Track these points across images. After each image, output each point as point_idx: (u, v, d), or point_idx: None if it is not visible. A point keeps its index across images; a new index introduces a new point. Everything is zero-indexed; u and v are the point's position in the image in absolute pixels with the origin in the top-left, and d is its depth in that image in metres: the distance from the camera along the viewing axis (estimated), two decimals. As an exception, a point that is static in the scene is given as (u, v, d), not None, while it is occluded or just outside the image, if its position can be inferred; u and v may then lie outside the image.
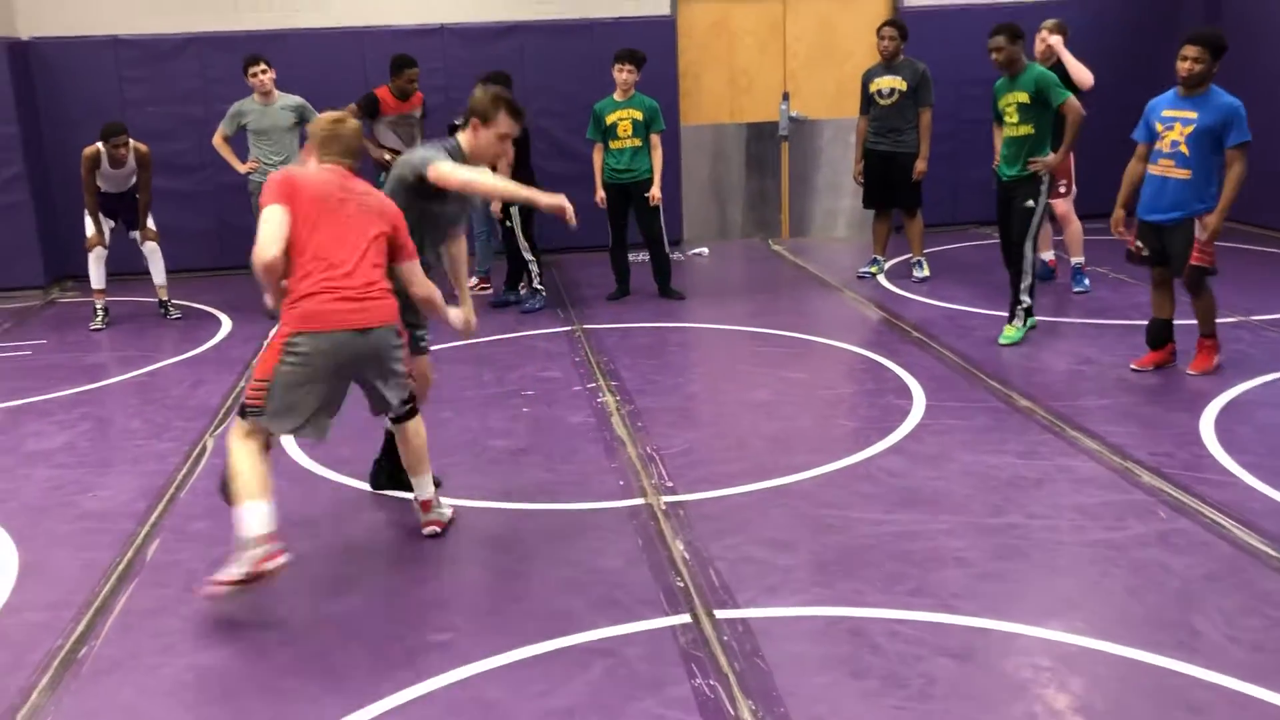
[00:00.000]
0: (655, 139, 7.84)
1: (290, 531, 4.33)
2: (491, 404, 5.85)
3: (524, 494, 4.56)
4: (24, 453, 5.38)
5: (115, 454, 5.37)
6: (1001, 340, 6.46)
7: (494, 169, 4.48)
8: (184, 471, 5.03)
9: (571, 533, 4.24)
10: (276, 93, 8.00)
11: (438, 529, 4.21)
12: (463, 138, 4.22)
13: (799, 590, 3.72)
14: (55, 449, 5.42)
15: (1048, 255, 7.83)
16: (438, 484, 4.42)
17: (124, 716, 3.17)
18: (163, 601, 3.82)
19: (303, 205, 3.75)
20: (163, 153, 8.60)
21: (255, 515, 3.60)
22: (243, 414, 3.77)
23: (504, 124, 4.15)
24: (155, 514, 4.57)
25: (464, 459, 5.05)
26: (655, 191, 7.84)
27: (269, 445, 3.83)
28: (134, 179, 7.71)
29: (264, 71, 7.86)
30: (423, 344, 4.43)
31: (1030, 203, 6.37)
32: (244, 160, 8.05)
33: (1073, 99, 6.32)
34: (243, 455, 3.70)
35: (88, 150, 7.51)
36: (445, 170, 4.02)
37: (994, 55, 6.38)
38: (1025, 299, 6.49)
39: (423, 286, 4.07)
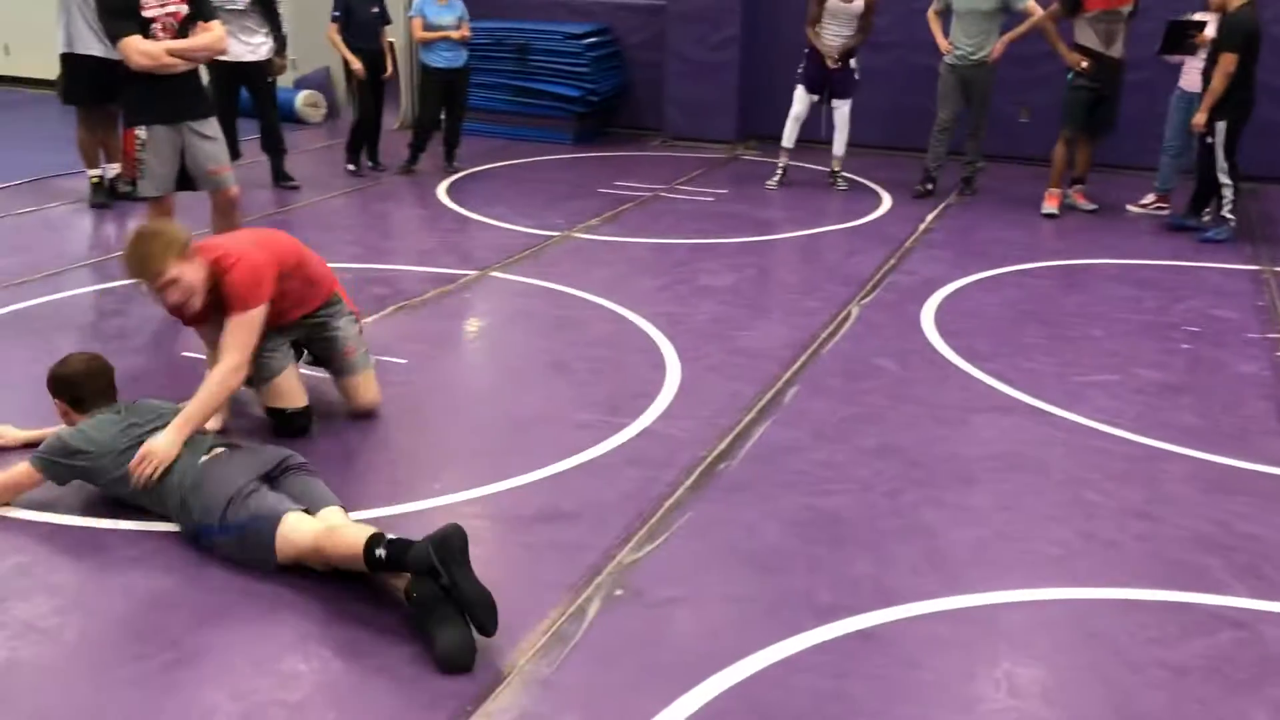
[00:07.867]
0: None
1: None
2: (1147, 331, 5.40)
3: (1166, 434, 4.18)
4: (698, 285, 6.01)
5: (771, 302, 5.80)
6: None
7: None
8: (827, 331, 5.30)
9: (1219, 488, 3.81)
10: None
11: None
12: None
13: None
14: (722, 287, 5.98)
15: None
16: None
17: (744, 531, 3.48)
18: (792, 443, 4.10)
19: None
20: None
21: None
22: None
23: None
24: (797, 364, 4.88)
25: (1109, 379, 4.75)
26: None
27: None
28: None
29: None
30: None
31: None
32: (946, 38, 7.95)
33: None
34: None
35: None
36: None
37: None
38: None
39: None
